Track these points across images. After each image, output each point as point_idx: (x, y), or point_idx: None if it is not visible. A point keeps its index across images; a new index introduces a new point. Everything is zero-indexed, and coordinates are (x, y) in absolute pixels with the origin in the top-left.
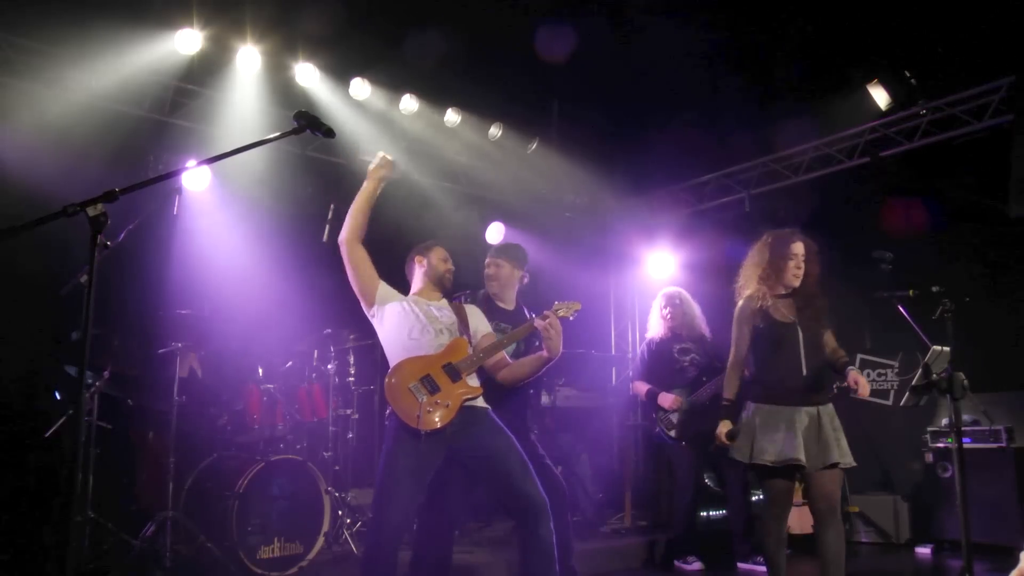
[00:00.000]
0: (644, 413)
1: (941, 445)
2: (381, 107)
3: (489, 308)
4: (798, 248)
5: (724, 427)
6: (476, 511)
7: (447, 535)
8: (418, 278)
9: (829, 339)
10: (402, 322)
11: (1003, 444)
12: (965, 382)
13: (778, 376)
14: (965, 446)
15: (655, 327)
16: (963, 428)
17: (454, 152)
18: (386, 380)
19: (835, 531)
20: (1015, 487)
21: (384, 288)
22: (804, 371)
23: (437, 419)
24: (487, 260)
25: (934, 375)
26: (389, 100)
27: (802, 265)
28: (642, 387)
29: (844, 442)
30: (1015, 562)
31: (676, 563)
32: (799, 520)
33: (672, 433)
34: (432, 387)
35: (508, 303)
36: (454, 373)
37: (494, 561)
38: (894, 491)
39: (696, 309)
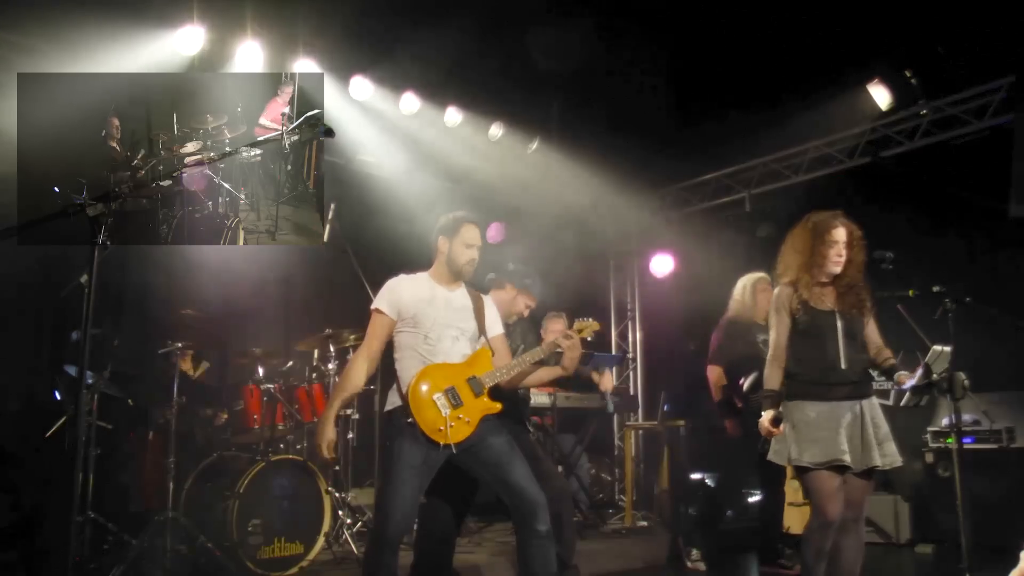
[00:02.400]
0: (719, 401)
1: (941, 445)
2: (381, 107)
3: None
4: (839, 234)
5: (768, 416)
6: (477, 511)
7: (450, 537)
8: (438, 261)
9: (873, 334)
10: (419, 324)
11: (1003, 444)
12: (966, 382)
13: (817, 369)
14: (966, 446)
15: (744, 310)
16: (964, 428)
17: (454, 152)
18: (412, 384)
19: (856, 538)
20: (1015, 487)
21: (392, 307)
22: (843, 364)
23: (460, 435)
24: (528, 300)
25: (934, 375)
26: (389, 99)
27: (843, 252)
28: (719, 371)
29: (887, 439)
30: (1015, 562)
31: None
32: (800, 520)
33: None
34: (456, 400)
35: None
36: (477, 387)
37: (495, 561)
38: (894, 491)
39: None
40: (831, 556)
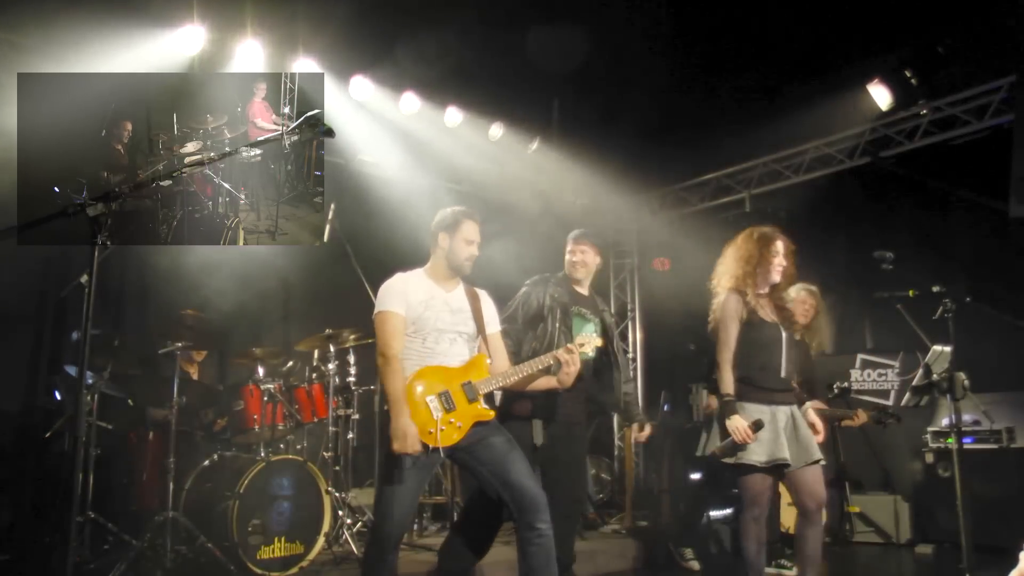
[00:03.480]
0: None
1: (941, 445)
2: (381, 107)
3: (569, 292)
4: (779, 246)
5: (740, 422)
6: None
7: (494, 524)
8: (436, 257)
9: None
10: (418, 329)
11: (1003, 444)
12: (966, 382)
13: (761, 375)
14: (966, 446)
15: None
16: (964, 428)
17: (454, 152)
18: (407, 385)
19: (817, 528)
20: (1015, 487)
21: (404, 306)
22: (783, 372)
23: (449, 439)
24: (571, 247)
25: (935, 375)
26: (389, 99)
27: (783, 263)
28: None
29: (813, 440)
30: (1015, 562)
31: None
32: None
33: None
34: (449, 404)
35: (585, 288)
36: (471, 393)
37: (497, 560)
38: (894, 491)
39: None
40: (798, 546)
